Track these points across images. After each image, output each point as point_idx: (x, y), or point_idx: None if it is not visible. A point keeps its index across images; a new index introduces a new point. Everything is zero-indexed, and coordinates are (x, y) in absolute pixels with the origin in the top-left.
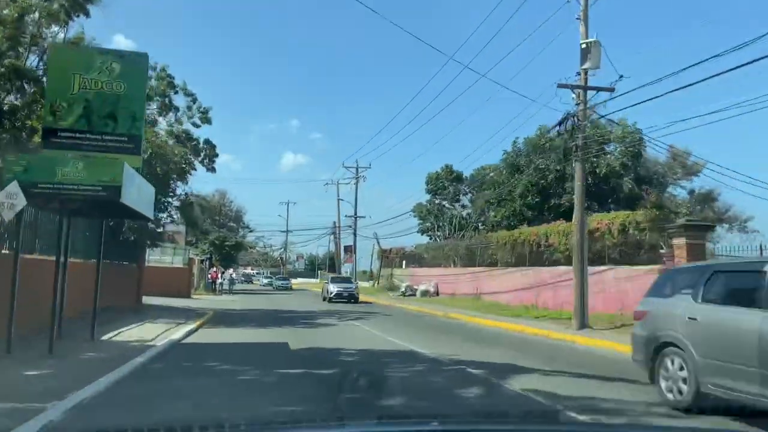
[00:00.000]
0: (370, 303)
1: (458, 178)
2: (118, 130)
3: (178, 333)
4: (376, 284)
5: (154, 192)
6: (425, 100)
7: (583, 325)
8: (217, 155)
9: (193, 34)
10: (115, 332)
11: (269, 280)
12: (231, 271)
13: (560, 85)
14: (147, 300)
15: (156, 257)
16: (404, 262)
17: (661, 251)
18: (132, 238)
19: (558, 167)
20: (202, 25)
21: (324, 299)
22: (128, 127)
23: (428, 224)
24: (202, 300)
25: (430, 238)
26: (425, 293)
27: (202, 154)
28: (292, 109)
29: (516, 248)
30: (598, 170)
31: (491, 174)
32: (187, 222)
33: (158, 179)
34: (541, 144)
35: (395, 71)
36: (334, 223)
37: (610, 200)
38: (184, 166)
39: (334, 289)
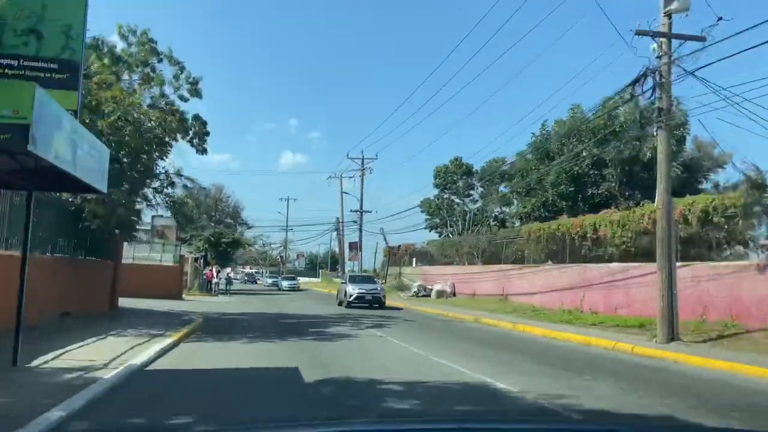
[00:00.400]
0: (395, 308)
1: (468, 171)
2: (43, 51)
3: (146, 352)
4: (383, 284)
5: (108, 155)
6: (430, 91)
7: (672, 336)
8: (208, 133)
9: (191, 33)
10: (58, 352)
11: (274, 280)
12: (228, 270)
13: (639, 32)
14: (127, 302)
15: (143, 254)
16: (414, 259)
17: (764, 242)
18: (93, 226)
19: (596, 150)
20: (200, 24)
21: (340, 303)
22: (60, 47)
23: (437, 220)
24: (194, 302)
25: (440, 235)
26: (441, 294)
27: (191, 132)
28: (291, 109)
29: (554, 242)
30: (641, 155)
31: (506, 165)
32: (169, 207)
33: (131, 152)
34: (575, 126)
35: (396, 71)
36: (337, 218)
37: (655, 190)
38: (163, 136)
39: (354, 291)
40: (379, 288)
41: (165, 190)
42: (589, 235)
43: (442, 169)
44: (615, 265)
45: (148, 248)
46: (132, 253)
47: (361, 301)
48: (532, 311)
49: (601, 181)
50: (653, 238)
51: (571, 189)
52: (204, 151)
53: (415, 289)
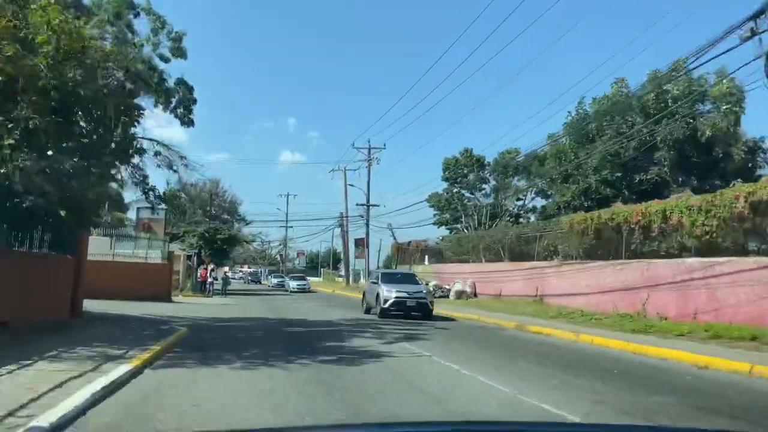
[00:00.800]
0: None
1: (480, 163)
2: None
3: (77, 394)
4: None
5: None
6: (430, 87)
7: None
8: (195, 101)
9: (191, 33)
10: None
11: (280, 279)
12: (226, 269)
13: None
14: (101, 306)
15: (126, 250)
16: (426, 257)
17: None
18: (27, 203)
19: (645, 130)
20: (200, 24)
21: (368, 310)
22: None
23: (447, 215)
24: (183, 305)
25: (450, 231)
26: (460, 294)
27: (173, 100)
28: (290, 108)
29: (599, 234)
30: (699, 134)
31: (520, 156)
32: (138, 184)
33: (80, 102)
34: (622, 102)
35: (396, 70)
36: (341, 213)
37: (714, 174)
38: (125, 81)
39: (391, 294)
40: (424, 291)
41: (132, 159)
42: (656, 224)
43: (451, 162)
44: (693, 260)
45: (133, 244)
46: (112, 249)
47: (400, 308)
48: (581, 316)
49: (649, 165)
50: (756, 224)
51: (617, 174)
52: (191, 123)
53: (431, 290)
